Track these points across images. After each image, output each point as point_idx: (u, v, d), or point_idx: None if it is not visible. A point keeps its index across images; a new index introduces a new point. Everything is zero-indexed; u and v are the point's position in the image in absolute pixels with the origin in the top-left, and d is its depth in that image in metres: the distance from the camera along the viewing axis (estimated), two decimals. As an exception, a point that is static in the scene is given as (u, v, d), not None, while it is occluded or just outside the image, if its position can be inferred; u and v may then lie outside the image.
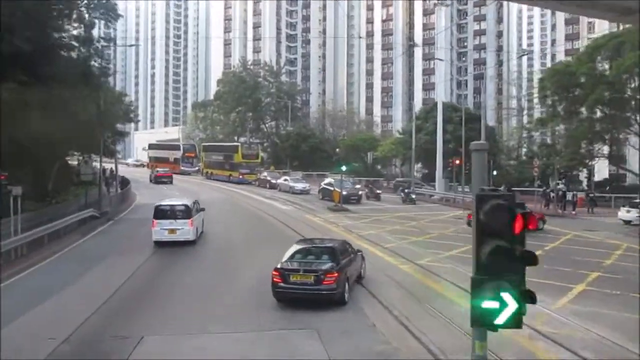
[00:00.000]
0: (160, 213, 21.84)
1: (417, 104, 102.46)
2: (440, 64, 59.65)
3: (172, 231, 21.38)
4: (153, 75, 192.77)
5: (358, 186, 44.55)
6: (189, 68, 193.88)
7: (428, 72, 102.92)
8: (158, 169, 61.67)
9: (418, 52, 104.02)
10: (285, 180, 51.46)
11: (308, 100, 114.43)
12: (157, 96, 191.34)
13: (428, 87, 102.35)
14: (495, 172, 47.71)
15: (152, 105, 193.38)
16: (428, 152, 53.52)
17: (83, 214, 28.12)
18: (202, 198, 31.03)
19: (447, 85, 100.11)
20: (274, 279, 13.24)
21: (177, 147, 76.29)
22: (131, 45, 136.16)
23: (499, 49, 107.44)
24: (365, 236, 24.68)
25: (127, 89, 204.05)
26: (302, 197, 45.59)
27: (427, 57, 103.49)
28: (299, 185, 49.15)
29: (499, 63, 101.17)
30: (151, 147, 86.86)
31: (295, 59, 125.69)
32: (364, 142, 65.11)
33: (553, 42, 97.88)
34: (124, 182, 45.54)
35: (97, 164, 41.10)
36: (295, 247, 14.75)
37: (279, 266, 13.49)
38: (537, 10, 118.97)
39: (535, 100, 67.60)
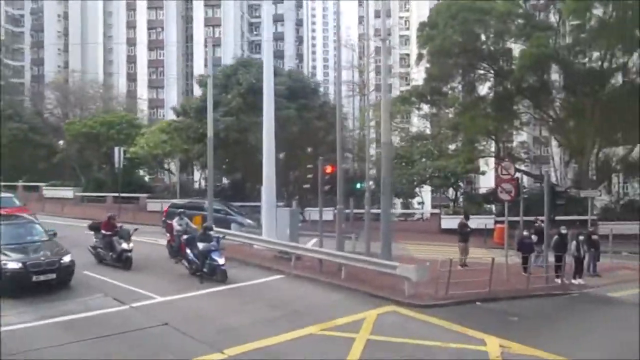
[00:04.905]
0: None
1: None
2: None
3: None
4: None
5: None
6: None
7: (214, 43, 77.08)
8: None
9: (199, 12, 77.49)
10: None
11: (42, 75, 79.21)
12: None
13: (214, 62, 76.50)
14: (360, 185, 24.99)
15: None
16: (237, 146, 27.95)
17: None
18: None
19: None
20: None
21: None
22: None
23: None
24: None
25: None
26: None
27: (210, 23, 77.85)
28: None
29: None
30: None
31: (22, 16, 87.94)
32: (110, 128, 35.75)
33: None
34: None
35: None
36: None
37: None
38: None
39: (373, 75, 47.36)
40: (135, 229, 17.74)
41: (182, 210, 19.86)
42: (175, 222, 18.80)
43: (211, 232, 16.75)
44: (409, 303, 13.55)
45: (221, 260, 15.57)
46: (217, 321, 12.03)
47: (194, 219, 21.35)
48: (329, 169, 18.04)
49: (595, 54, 31.53)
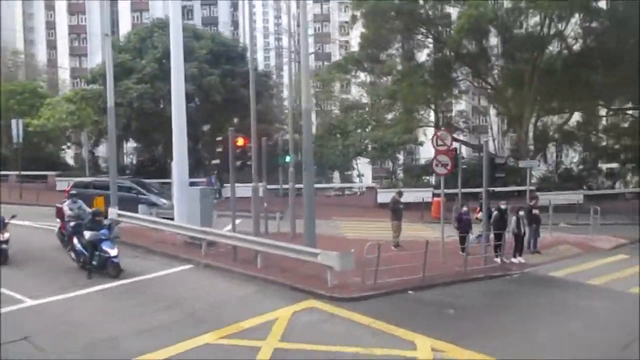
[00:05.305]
0: None
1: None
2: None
3: None
4: None
5: None
6: None
7: (141, 8, 72.03)
8: None
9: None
10: None
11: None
12: None
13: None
14: (289, 159, 22.65)
15: None
16: (154, 117, 25.08)
17: None
18: None
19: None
20: None
21: None
22: None
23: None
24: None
25: None
26: None
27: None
28: None
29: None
30: None
31: None
32: (9, 98, 31.48)
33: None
34: None
35: None
36: None
37: None
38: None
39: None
40: (13, 216, 14.82)
41: (74, 192, 16.94)
42: (66, 206, 15.93)
43: (104, 218, 14.21)
44: (332, 296, 11.64)
45: (113, 252, 13.08)
46: (93, 331, 9.67)
47: (96, 201, 18.59)
48: (240, 142, 15.65)
49: (534, 20, 30.47)
